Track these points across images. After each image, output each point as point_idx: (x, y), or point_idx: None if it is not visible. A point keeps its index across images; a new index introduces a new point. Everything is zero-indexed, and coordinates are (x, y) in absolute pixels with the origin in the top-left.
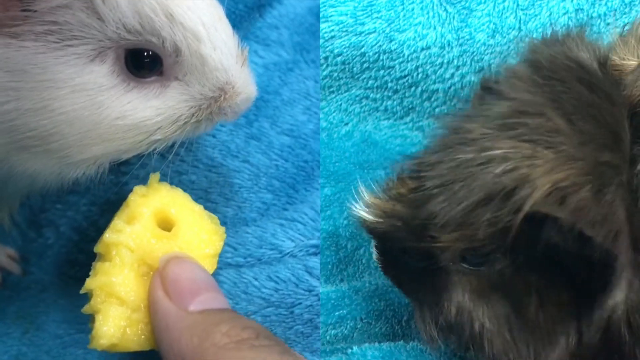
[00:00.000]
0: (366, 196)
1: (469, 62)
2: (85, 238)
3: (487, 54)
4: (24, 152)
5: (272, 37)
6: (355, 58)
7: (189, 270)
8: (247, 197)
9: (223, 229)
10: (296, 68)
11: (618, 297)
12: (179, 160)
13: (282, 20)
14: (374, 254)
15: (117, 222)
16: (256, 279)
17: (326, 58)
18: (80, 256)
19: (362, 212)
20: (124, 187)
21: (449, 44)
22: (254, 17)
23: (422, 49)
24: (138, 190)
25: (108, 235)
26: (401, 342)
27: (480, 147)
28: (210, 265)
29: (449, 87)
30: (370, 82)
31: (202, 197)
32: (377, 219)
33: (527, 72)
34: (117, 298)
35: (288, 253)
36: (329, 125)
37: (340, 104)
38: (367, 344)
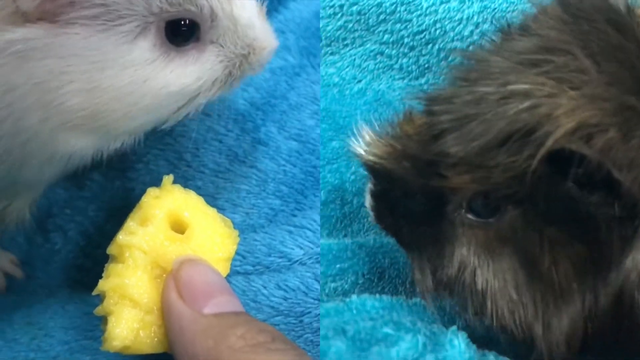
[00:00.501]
0: (367, 134)
1: (489, 20)
2: (91, 243)
3: (510, 11)
4: (71, 132)
5: (279, 42)
6: (371, 8)
7: (203, 273)
8: (254, 203)
9: (236, 232)
10: (303, 72)
11: (637, 256)
12: (185, 166)
13: (288, 25)
14: (367, 200)
15: (130, 224)
16: (265, 287)
17: (341, 6)
18: (87, 261)
19: (362, 150)
20: (130, 193)
21: None
22: None
23: (442, 2)
24: (151, 192)
25: (121, 237)
26: (403, 297)
27: (501, 82)
28: (223, 269)
29: (468, 47)
30: (386, 36)
31: (209, 203)
32: (380, 159)
33: (555, 10)
34: (130, 300)
35: (297, 261)
36: (341, 81)
37: (354, 59)
38: (367, 294)
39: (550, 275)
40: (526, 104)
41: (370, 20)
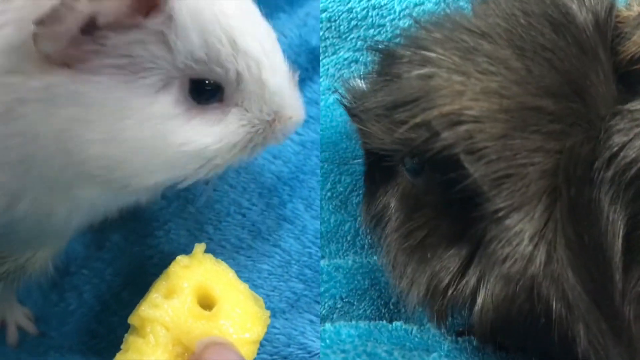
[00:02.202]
0: (355, 84)
1: None
2: (106, 309)
3: None
4: (87, 182)
5: (311, 113)
6: (341, 14)
7: None
8: (276, 285)
9: (268, 313)
10: None
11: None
12: (207, 238)
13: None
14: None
15: (155, 296)
16: None
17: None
18: (101, 328)
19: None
20: (148, 261)
21: None
22: None
23: (416, 5)
24: (180, 260)
25: (144, 309)
26: (383, 321)
27: (418, 46)
28: (250, 352)
29: None
30: (359, 43)
31: None
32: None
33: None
34: None
35: (317, 354)
36: None
37: (328, 69)
38: (342, 322)
39: (425, 241)
40: (424, 70)
41: (342, 27)
